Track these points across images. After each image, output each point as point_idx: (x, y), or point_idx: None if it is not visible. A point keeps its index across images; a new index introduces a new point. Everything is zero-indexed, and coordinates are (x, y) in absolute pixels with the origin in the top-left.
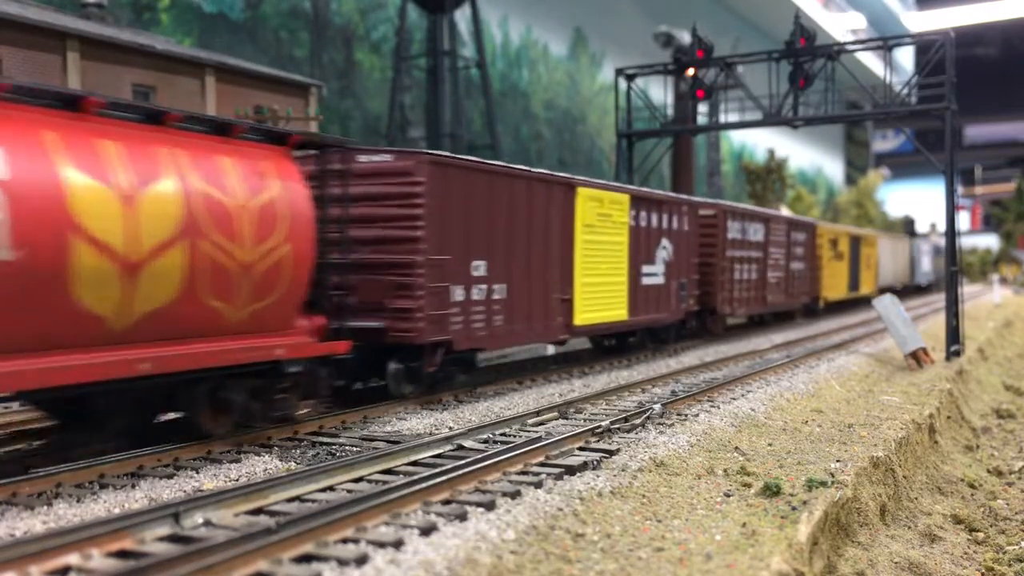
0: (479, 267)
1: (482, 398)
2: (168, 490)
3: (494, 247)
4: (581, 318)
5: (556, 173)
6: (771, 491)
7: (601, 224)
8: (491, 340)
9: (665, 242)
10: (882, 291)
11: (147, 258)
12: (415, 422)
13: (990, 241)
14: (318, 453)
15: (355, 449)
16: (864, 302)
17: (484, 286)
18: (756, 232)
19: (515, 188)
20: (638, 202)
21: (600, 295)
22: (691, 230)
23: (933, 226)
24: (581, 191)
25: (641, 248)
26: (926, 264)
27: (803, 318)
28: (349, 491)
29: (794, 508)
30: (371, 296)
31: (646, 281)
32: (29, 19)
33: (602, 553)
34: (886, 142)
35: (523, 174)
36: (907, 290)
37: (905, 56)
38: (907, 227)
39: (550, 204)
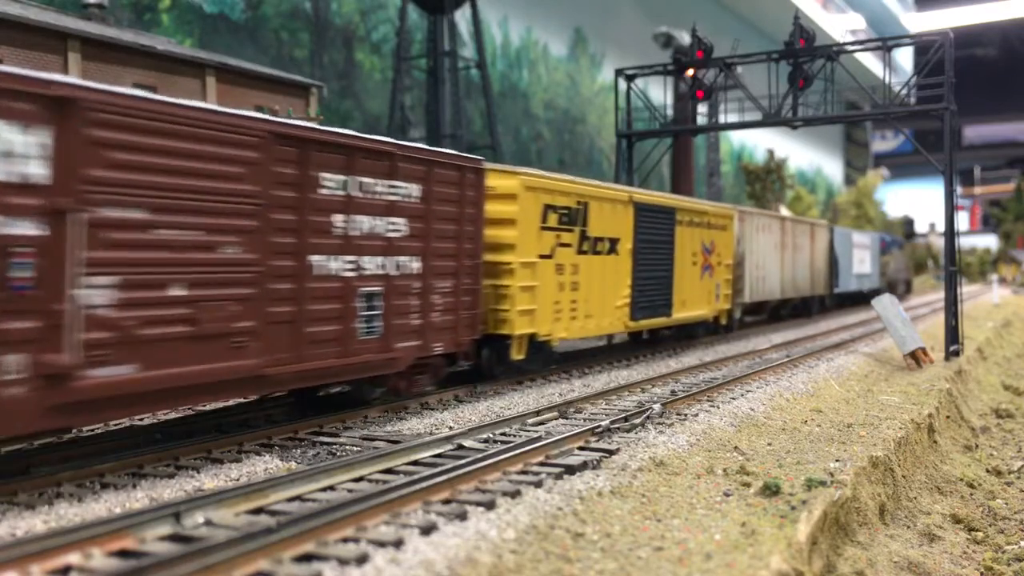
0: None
1: (482, 398)
2: (169, 490)
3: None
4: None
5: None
6: (770, 491)
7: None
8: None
9: None
10: (756, 307)
11: None
12: (415, 422)
13: (989, 241)
14: (318, 452)
15: (355, 449)
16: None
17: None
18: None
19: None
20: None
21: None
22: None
23: (932, 226)
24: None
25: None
26: (865, 264)
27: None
28: (349, 490)
29: (793, 508)
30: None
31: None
32: (30, 19)
33: (602, 552)
34: (885, 142)
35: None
36: (825, 305)
37: (904, 57)
38: (906, 227)
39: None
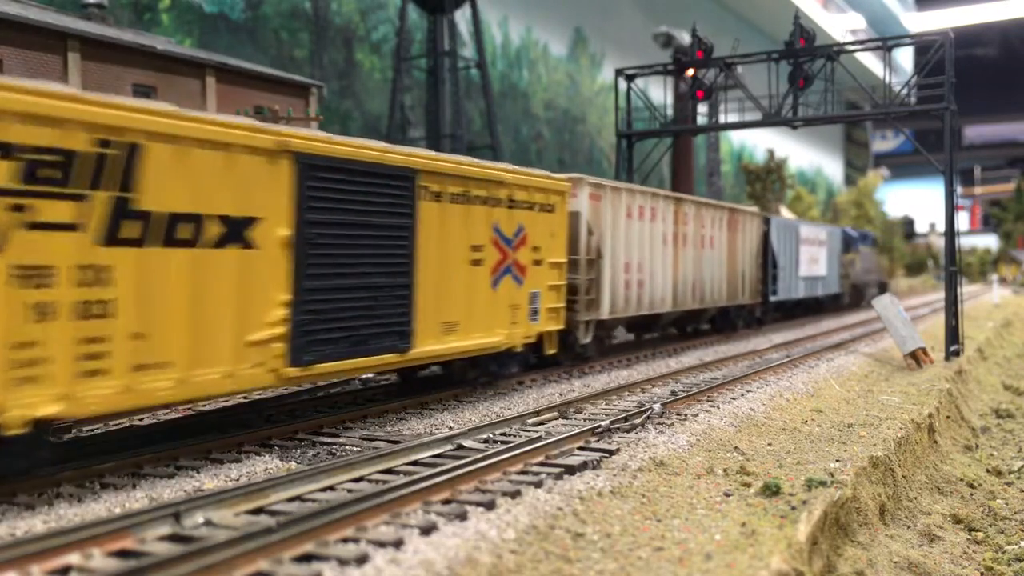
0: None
1: (482, 398)
2: (168, 490)
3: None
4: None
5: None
6: (771, 491)
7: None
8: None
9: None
10: (637, 323)
11: None
12: (415, 422)
13: (989, 241)
14: (318, 453)
15: (355, 449)
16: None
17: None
18: None
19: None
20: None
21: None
22: None
23: (932, 226)
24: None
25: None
26: (819, 264)
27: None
28: (349, 491)
29: (794, 508)
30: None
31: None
32: (30, 19)
33: (602, 553)
34: (885, 142)
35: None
36: (757, 318)
37: (905, 57)
38: (907, 227)
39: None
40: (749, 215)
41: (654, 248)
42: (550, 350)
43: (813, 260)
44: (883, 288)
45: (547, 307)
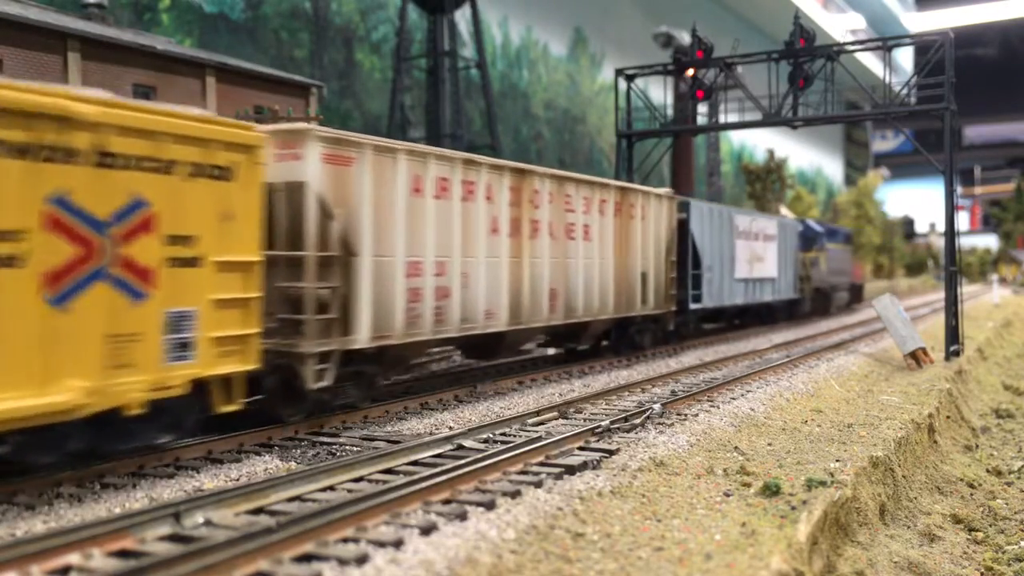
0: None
1: (482, 398)
2: (168, 490)
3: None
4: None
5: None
6: (771, 491)
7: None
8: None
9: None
10: (465, 344)
11: None
12: (415, 422)
13: (989, 241)
14: (318, 453)
15: (355, 449)
16: None
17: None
18: None
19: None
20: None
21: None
22: None
23: (932, 226)
24: None
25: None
26: (767, 264)
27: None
28: (349, 491)
29: (794, 508)
30: None
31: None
32: (30, 20)
33: (602, 553)
34: (885, 142)
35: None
36: (668, 332)
37: (905, 57)
38: (907, 227)
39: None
40: (654, 197)
41: (474, 240)
42: (224, 405)
43: (756, 258)
44: (856, 293)
45: (214, 336)
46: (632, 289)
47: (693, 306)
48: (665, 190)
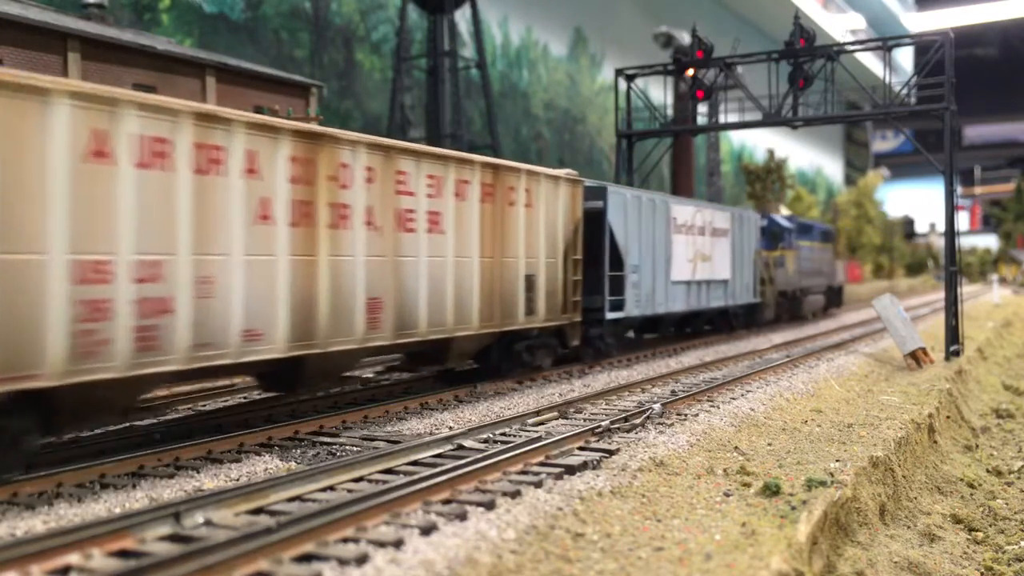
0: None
1: (482, 398)
2: (169, 490)
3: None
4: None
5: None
6: (771, 491)
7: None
8: None
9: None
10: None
11: None
12: (415, 422)
13: (989, 241)
14: (318, 453)
15: (355, 449)
16: None
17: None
18: None
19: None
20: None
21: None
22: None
23: (932, 226)
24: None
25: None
26: (718, 264)
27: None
28: (349, 491)
29: (794, 508)
30: None
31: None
32: (30, 20)
33: (602, 553)
34: (885, 142)
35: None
36: (569, 349)
37: (905, 57)
38: (907, 227)
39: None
40: (546, 180)
41: (220, 231)
42: None
43: (702, 257)
44: (834, 297)
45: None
46: (511, 296)
47: (612, 315)
48: (565, 171)
